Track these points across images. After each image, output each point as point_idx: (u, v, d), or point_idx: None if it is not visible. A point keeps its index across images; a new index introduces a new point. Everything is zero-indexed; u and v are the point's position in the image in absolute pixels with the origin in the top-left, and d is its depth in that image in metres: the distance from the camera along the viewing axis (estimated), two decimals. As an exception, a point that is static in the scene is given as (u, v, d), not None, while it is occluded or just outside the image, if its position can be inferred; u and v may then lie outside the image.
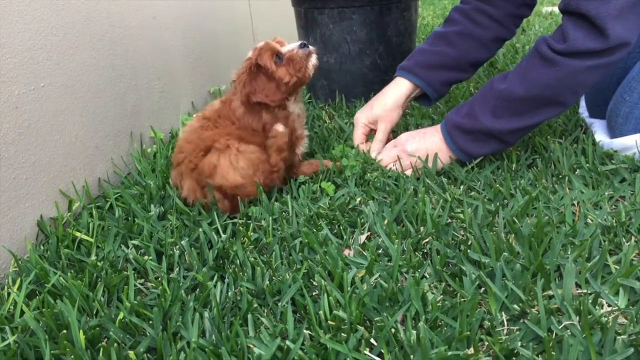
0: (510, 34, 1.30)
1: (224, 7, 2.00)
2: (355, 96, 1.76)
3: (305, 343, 0.71)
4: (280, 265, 0.89)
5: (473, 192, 1.08)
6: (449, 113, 1.18)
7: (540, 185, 1.06)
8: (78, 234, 1.04)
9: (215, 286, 0.84)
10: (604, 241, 0.87)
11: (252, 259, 0.90)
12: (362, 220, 1.00)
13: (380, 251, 0.91)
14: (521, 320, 0.73)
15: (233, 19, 2.09)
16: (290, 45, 1.13)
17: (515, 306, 0.74)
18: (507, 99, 1.07)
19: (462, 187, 1.10)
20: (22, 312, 0.83)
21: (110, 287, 0.87)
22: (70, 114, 1.15)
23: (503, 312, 0.75)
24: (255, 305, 0.79)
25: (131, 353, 0.71)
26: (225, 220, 1.06)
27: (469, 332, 0.69)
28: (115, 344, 0.72)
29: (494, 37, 1.28)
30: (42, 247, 1.02)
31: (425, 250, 0.92)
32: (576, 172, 1.12)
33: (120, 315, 0.79)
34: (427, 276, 0.84)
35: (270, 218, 1.02)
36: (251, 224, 1.03)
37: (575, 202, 1.00)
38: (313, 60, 1.13)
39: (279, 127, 1.11)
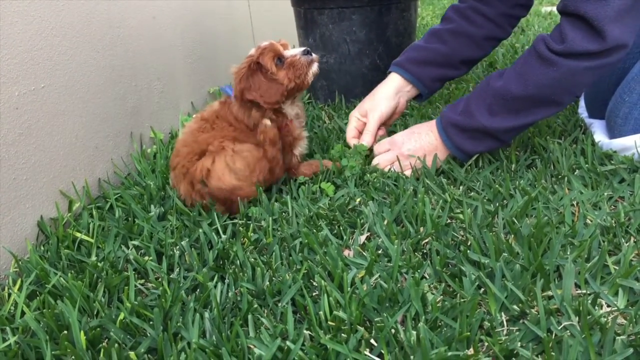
0: (504, 34, 1.31)
1: (223, 8, 2.00)
2: (355, 96, 1.76)
3: (306, 343, 0.71)
4: (280, 265, 0.89)
5: (472, 193, 1.08)
6: (444, 110, 1.18)
7: (539, 185, 1.07)
8: (78, 234, 1.04)
9: (215, 287, 0.84)
10: (603, 242, 0.87)
11: (252, 259, 0.90)
12: (362, 221, 1.01)
13: (380, 252, 0.91)
14: (521, 321, 0.73)
15: (233, 19, 2.09)
16: (294, 50, 1.13)
17: (515, 307, 0.74)
18: (503, 97, 1.08)
19: (461, 187, 1.10)
20: (23, 313, 0.83)
21: (110, 288, 0.87)
22: (70, 115, 1.15)
23: (503, 313, 0.75)
24: (256, 305, 0.79)
25: (132, 354, 0.71)
26: (225, 221, 1.06)
27: (468, 333, 0.69)
28: (116, 345, 0.72)
29: (487, 36, 1.29)
30: (42, 248, 1.03)
31: (425, 251, 0.92)
32: (575, 173, 1.12)
33: (121, 316, 0.79)
34: (427, 277, 0.84)
35: (270, 218, 1.02)
36: (251, 225, 1.03)
37: (574, 203, 1.00)
38: (314, 68, 1.14)
39: (266, 121, 1.11)
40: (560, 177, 1.11)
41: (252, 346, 0.72)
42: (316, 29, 1.70)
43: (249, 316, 0.77)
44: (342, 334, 0.71)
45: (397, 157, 1.18)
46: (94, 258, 0.96)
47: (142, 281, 0.92)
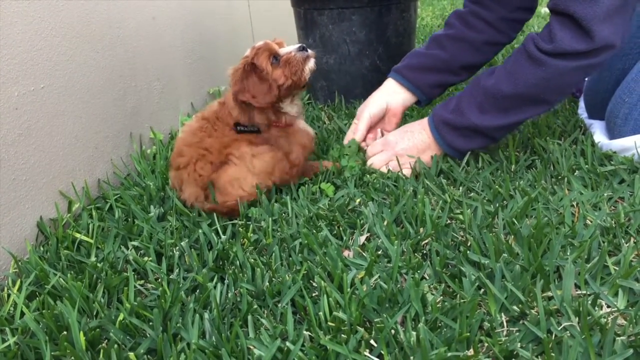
0: (506, 38, 1.30)
1: (223, 8, 2.00)
2: (355, 97, 1.76)
3: (305, 344, 0.71)
4: (280, 266, 0.89)
5: (472, 193, 1.08)
6: (436, 108, 1.19)
7: (539, 186, 1.07)
8: (78, 235, 1.04)
9: (215, 287, 0.84)
10: (603, 242, 0.87)
11: (252, 260, 0.90)
12: (362, 222, 1.01)
13: (379, 252, 0.91)
14: (521, 322, 0.73)
15: (232, 19, 2.09)
16: (289, 48, 1.13)
17: (515, 307, 0.74)
18: (494, 96, 1.09)
19: (461, 188, 1.10)
20: (22, 314, 0.83)
21: (110, 288, 0.87)
22: (69, 115, 1.15)
23: (502, 313, 0.75)
24: (255, 306, 0.79)
25: (131, 354, 0.71)
26: (225, 222, 1.06)
27: (468, 333, 0.69)
28: (116, 345, 0.72)
29: (487, 41, 1.28)
30: (42, 248, 1.03)
31: (424, 252, 0.92)
32: (575, 173, 1.12)
33: (121, 317, 0.79)
34: (427, 277, 0.84)
35: (270, 219, 1.02)
36: (251, 225, 1.03)
37: (574, 203, 1.00)
38: (310, 64, 1.13)
39: (308, 128, 1.15)
40: (560, 177, 1.11)
41: (251, 347, 0.72)
42: (316, 29, 1.70)
43: (249, 317, 0.77)
44: (342, 335, 0.71)
45: (392, 156, 1.18)
46: (93, 259, 0.96)
47: (142, 282, 0.92)
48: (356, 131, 1.29)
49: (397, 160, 1.18)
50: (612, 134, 1.22)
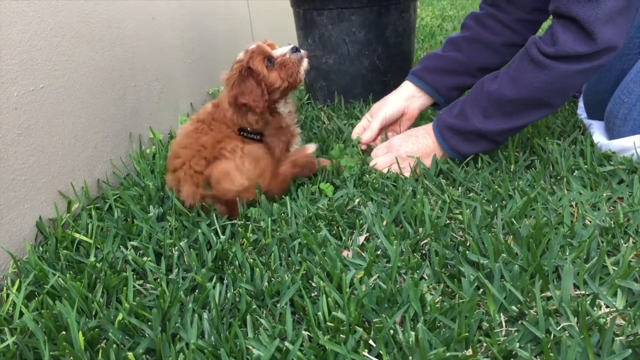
0: (523, 40, 1.27)
1: (222, 8, 2.00)
2: (354, 97, 1.76)
3: (304, 344, 0.71)
4: (279, 266, 0.89)
5: (471, 194, 1.08)
6: (441, 113, 1.20)
7: (538, 186, 1.07)
8: (77, 235, 1.04)
9: (214, 287, 0.84)
10: (602, 242, 0.87)
11: (251, 260, 0.90)
12: (361, 222, 1.01)
13: (379, 252, 0.91)
14: (519, 322, 0.73)
15: (232, 19, 2.09)
16: (282, 49, 1.13)
17: (514, 307, 0.74)
18: (497, 101, 1.09)
19: (460, 188, 1.10)
20: (21, 314, 0.83)
21: (109, 288, 0.87)
22: (69, 115, 1.15)
23: (501, 313, 0.75)
24: (254, 306, 0.80)
25: (130, 354, 0.71)
26: (224, 222, 1.06)
27: (467, 333, 0.69)
28: (115, 345, 0.72)
29: (504, 43, 1.28)
30: (41, 248, 1.02)
31: (423, 251, 0.92)
32: (574, 174, 1.12)
33: (119, 317, 0.79)
34: (426, 277, 0.84)
35: (269, 219, 1.02)
36: (250, 225, 1.03)
37: (573, 203, 1.00)
38: (304, 64, 1.14)
39: (311, 149, 1.17)
40: (559, 177, 1.11)
41: (250, 347, 0.72)
42: (315, 29, 1.70)
43: (248, 317, 0.77)
44: (341, 335, 0.71)
45: (396, 158, 1.18)
46: (92, 259, 0.96)
47: (141, 282, 0.92)
48: (368, 128, 1.30)
49: (400, 162, 1.18)
50: (611, 134, 1.22)
